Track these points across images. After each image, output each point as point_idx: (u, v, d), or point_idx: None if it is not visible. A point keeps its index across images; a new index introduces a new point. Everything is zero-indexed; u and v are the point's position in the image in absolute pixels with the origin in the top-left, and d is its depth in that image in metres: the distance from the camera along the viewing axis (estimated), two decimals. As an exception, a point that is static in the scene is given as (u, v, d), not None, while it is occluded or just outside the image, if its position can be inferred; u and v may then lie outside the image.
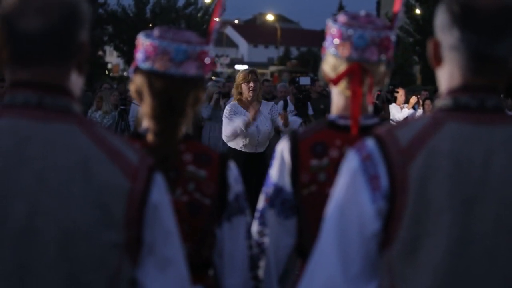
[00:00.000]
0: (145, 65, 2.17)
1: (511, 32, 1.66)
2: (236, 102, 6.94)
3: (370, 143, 1.71)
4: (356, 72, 2.24)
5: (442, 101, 1.72)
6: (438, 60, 1.74)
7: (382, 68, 2.29)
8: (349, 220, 1.68)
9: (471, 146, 1.63)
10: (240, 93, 6.88)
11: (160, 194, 1.69)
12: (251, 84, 6.84)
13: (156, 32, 2.20)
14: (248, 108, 6.82)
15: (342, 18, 2.28)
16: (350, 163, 1.72)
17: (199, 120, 10.22)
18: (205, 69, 2.21)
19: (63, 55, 1.66)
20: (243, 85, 6.84)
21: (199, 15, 31.34)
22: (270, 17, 75.26)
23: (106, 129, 1.71)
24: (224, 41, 71.25)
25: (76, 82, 1.71)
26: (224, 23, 79.73)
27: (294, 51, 73.99)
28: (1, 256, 1.56)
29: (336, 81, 2.27)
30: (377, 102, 9.58)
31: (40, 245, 1.56)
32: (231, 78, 26.32)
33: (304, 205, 2.27)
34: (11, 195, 1.56)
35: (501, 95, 1.74)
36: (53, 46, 1.64)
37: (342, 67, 2.26)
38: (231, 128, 6.74)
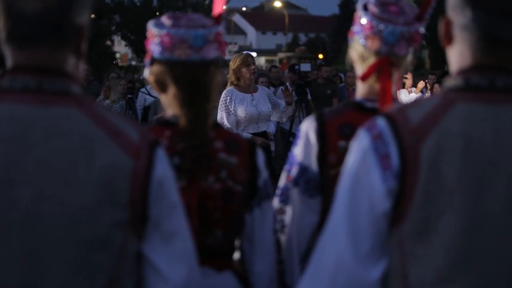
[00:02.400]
0: (164, 56, 2.17)
1: None
2: (232, 87, 6.85)
3: (381, 122, 1.71)
4: (385, 67, 2.24)
5: (452, 81, 1.72)
6: (449, 39, 1.74)
7: (410, 58, 2.31)
8: (360, 199, 1.69)
9: (482, 126, 1.63)
10: (238, 78, 6.80)
11: (163, 169, 1.70)
12: (252, 67, 6.81)
13: (167, 21, 2.20)
14: (246, 92, 6.78)
15: (372, 7, 2.26)
16: (361, 142, 1.72)
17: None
18: (221, 49, 2.22)
19: (60, 38, 1.66)
20: (243, 68, 6.77)
21: (206, 2, 31.26)
22: (277, 4, 74.99)
23: (106, 108, 1.72)
24: (232, 29, 71.09)
25: (76, 64, 1.71)
26: (232, 11, 79.62)
27: (303, 38, 73.78)
28: (9, 241, 1.57)
29: (364, 77, 2.29)
30: None
31: (46, 229, 1.58)
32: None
33: (331, 185, 2.26)
34: (15, 181, 1.57)
35: None
36: (51, 28, 1.64)
37: (371, 59, 2.28)
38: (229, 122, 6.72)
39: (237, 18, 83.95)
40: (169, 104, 2.21)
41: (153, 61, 2.20)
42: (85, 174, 1.59)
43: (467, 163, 1.62)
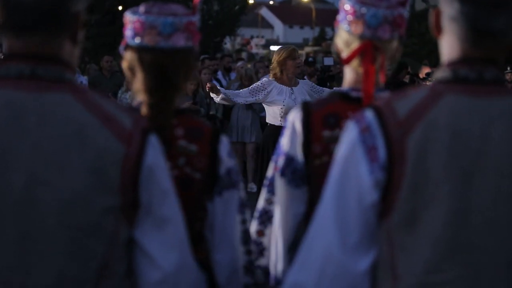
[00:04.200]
0: (135, 42, 2.19)
1: (509, 7, 1.67)
2: (273, 79, 6.89)
3: (368, 114, 1.72)
4: (368, 50, 2.25)
5: (441, 73, 1.73)
6: (439, 30, 1.75)
7: (394, 44, 2.30)
8: (348, 190, 1.70)
9: (469, 118, 1.65)
10: (282, 71, 6.82)
11: (155, 156, 1.72)
12: (298, 61, 6.92)
13: (141, 8, 2.22)
14: (286, 85, 6.82)
15: None
16: (349, 134, 1.74)
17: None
18: (194, 39, 2.22)
19: (56, 26, 1.68)
20: (289, 61, 6.80)
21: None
22: (305, -2, 74.81)
23: (99, 95, 1.73)
24: (260, 22, 71.02)
25: (72, 52, 1.73)
26: (259, 4, 79.61)
27: (330, 32, 73.52)
28: (3, 226, 1.61)
29: (347, 61, 2.30)
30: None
31: (40, 214, 1.61)
32: (263, 59, 26.19)
33: (316, 175, 2.28)
34: (10, 167, 1.60)
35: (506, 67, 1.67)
36: (47, 16, 1.66)
37: (355, 44, 2.28)
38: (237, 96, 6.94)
39: (264, 12, 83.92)
40: (138, 91, 2.23)
41: (127, 47, 2.23)
42: (77, 159, 1.62)
43: (454, 155, 1.63)
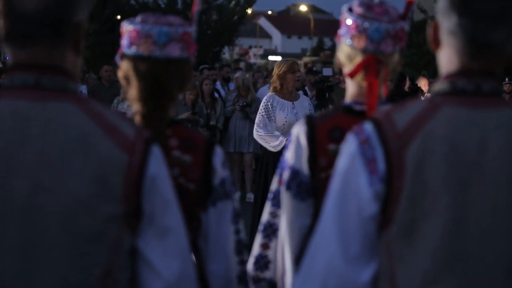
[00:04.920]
0: (130, 50, 2.20)
1: (507, 20, 1.68)
2: (273, 93, 6.81)
3: (368, 127, 1.74)
4: (371, 64, 2.27)
5: (439, 85, 1.74)
6: (437, 43, 1.77)
7: (396, 57, 2.33)
8: (348, 202, 1.71)
9: (467, 130, 1.66)
10: (282, 84, 6.74)
11: (157, 166, 1.73)
12: (297, 74, 6.84)
13: (138, 18, 2.24)
14: (287, 99, 6.72)
15: (357, 8, 2.30)
16: (349, 146, 1.75)
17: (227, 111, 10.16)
18: (189, 50, 2.23)
19: (58, 35, 1.70)
20: (289, 75, 6.72)
21: (230, 5, 31.24)
22: (303, 8, 74.94)
23: (102, 105, 1.75)
24: (258, 32, 71.13)
25: (74, 62, 1.75)
26: (257, 14, 79.73)
27: (328, 42, 73.62)
28: (6, 232, 1.62)
29: (352, 75, 2.32)
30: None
31: (42, 221, 1.62)
32: (261, 68, 26.19)
33: (322, 188, 2.28)
34: (13, 174, 1.62)
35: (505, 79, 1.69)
36: (48, 26, 1.68)
37: (358, 58, 2.30)
38: (266, 139, 6.66)
39: (262, 22, 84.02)
40: (132, 100, 2.24)
41: (123, 56, 2.25)
42: (80, 168, 1.63)
43: (451, 167, 1.64)
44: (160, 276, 1.73)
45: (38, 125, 1.64)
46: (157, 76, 2.19)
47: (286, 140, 6.38)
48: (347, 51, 2.33)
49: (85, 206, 1.63)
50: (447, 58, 1.75)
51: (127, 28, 2.22)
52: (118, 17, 23.38)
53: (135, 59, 2.20)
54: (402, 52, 2.34)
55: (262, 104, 6.80)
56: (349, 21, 2.29)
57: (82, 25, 1.74)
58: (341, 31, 2.34)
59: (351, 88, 2.38)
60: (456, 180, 1.64)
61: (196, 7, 2.30)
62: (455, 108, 1.68)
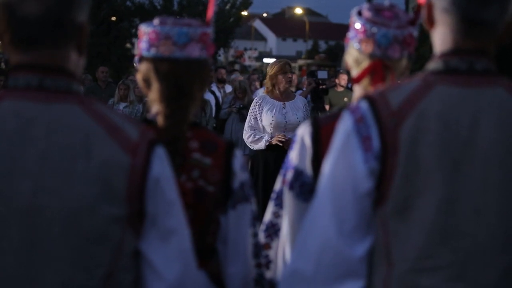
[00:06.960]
0: (150, 53, 2.21)
1: None
2: (266, 94, 6.84)
3: (363, 105, 1.76)
4: (378, 70, 2.28)
5: (433, 64, 1.77)
6: (432, 22, 1.79)
7: (404, 63, 2.33)
8: (343, 179, 1.74)
9: (459, 108, 1.69)
10: (273, 85, 6.76)
11: (161, 167, 1.72)
12: (289, 75, 6.81)
13: (156, 20, 2.24)
14: (278, 99, 6.74)
15: (366, 12, 2.30)
16: (345, 124, 1.78)
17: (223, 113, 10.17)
18: (208, 50, 2.24)
19: (61, 37, 1.70)
20: (280, 76, 6.72)
21: (226, 7, 31.27)
22: (298, 11, 75.03)
23: (106, 106, 1.76)
24: (253, 35, 71.16)
25: (77, 63, 1.76)
26: (252, 17, 79.74)
27: (323, 45, 73.73)
28: (9, 233, 1.61)
29: (358, 80, 2.33)
30: None
31: (45, 222, 1.62)
32: (256, 71, 26.21)
33: None
34: (16, 175, 1.62)
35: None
36: (51, 28, 1.68)
37: (365, 63, 2.30)
38: (252, 140, 6.77)
39: (257, 24, 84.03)
40: (153, 102, 2.24)
41: (141, 58, 2.25)
42: (83, 169, 1.63)
43: (444, 145, 1.67)
44: (162, 278, 1.72)
45: (42, 126, 1.64)
46: (178, 76, 2.20)
47: (271, 139, 6.56)
48: (355, 54, 2.33)
49: (88, 207, 1.63)
50: (441, 37, 1.78)
51: (145, 31, 2.22)
52: (114, 18, 23.38)
53: (155, 61, 2.20)
54: (410, 57, 2.34)
55: (251, 105, 6.86)
56: (357, 25, 2.30)
57: (85, 26, 1.74)
58: (350, 34, 2.34)
59: (357, 92, 2.39)
60: (448, 157, 1.67)
61: (212, 8, 2.31)
62: (448, 87, 1.72)
